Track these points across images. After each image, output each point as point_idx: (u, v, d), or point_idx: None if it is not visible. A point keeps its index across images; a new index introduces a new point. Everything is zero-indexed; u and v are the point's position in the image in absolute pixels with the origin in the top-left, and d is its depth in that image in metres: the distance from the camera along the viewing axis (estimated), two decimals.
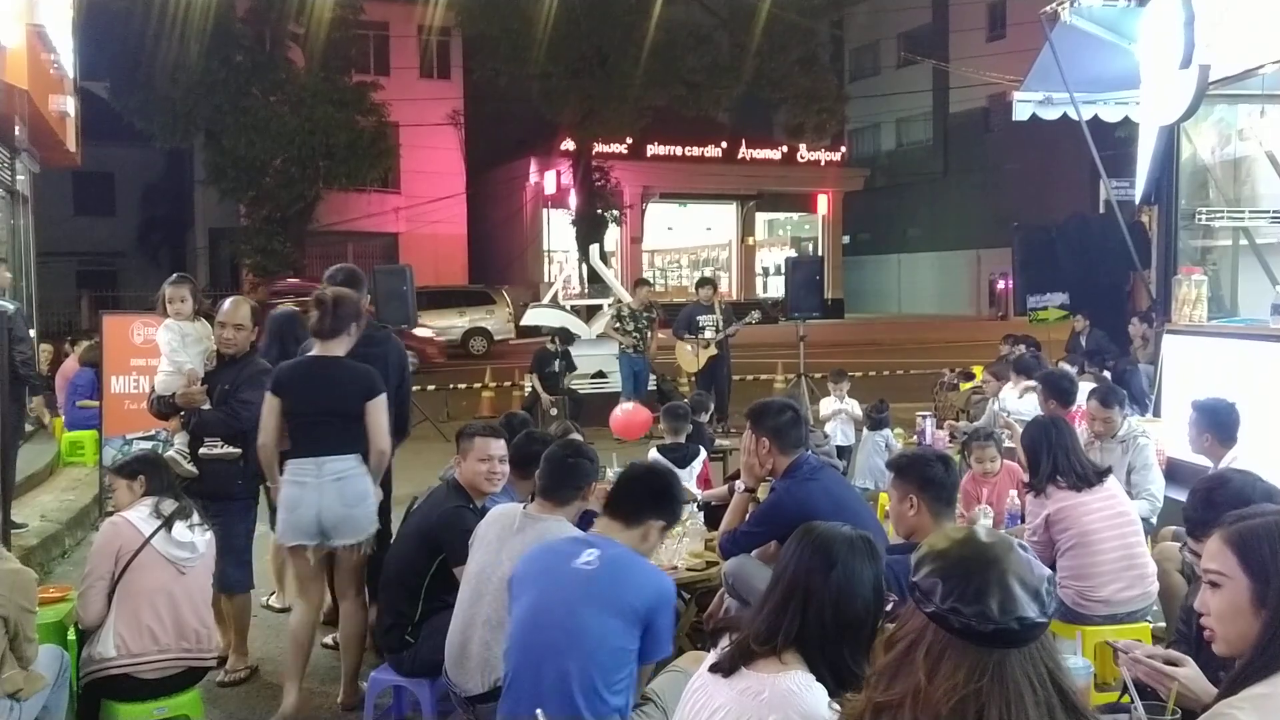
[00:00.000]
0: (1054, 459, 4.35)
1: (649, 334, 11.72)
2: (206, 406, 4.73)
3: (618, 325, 11.75)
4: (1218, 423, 4.69)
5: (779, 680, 2.17)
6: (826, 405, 8.47)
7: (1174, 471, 6.13)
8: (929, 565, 1.68)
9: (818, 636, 2.21)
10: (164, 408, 4.82)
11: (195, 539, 3.98)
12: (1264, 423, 5.03)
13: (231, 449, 4.71)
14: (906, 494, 3.27)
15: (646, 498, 3.18)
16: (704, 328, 11.33)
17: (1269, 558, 1.87)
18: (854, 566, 2.25)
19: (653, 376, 12.19)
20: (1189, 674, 2.06)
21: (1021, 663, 1.61)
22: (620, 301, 12.37)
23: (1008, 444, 6.53)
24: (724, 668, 2.25)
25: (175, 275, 5.15)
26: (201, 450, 4.70)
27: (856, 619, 2.23)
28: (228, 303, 4.93)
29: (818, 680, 2.18)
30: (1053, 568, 4.37)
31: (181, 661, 3.91)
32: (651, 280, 16.74)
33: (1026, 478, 5.40)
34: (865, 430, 7.62)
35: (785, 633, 2.21)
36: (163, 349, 4.88)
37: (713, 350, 11.26)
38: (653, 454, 5.98)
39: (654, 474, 3.37)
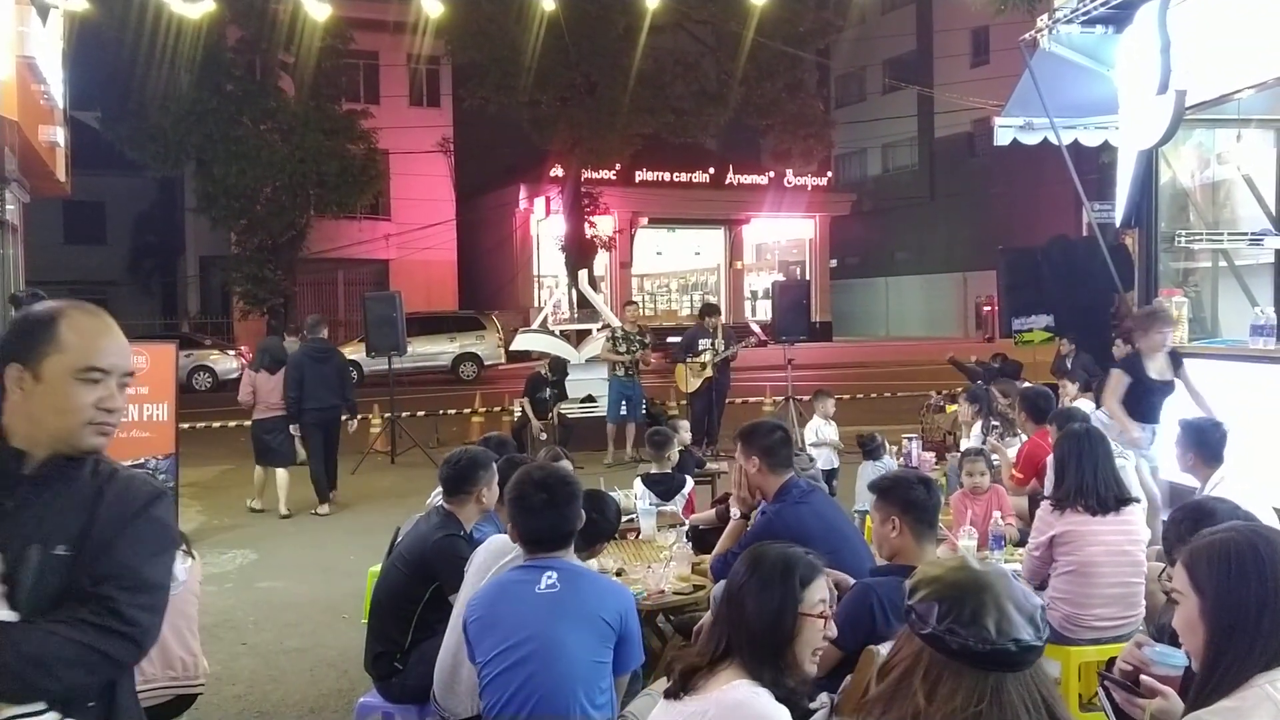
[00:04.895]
0: (1080, 474, 4.23)
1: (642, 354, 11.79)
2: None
3: (612, 347, 11.78)
4: (1202, 442, 4.71)
5: (724, 695, 2.20)
6: (810, 430, 8.47)
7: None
8: (925, 589, 1.70)
9: (748, 647, 2.26)
10: None
11: (175, 567, 3.95)
12: (1245, 442, 5.07)
13: None
14: (889, 516, 3.30)
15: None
16: (702, 351, 11.50)
17: (1205, 574, 1.92)
18: (771, 579, 2.29)
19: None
20: (1162, 705, 2.08)
21: (1018, 688, 1.61)
22: (610, 325, 12.42)
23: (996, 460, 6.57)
24: (673, 691, 2.29)
25: None
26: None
27: (766, 630, 2.26)
28: (83, 319, 1.94)
29: (763, 687, 2.21)
30: (1045, 584, 4.33)
31: (169, 691, 3.87)
32: (639, 303, 16.86)
33: (1009, 504, 5.41)
34: (865, 459, 7.60)
35: (724, 645, 2.27)
36: None
37: (709, 372, 11.39)
38: (637, 484, 5.90)
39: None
